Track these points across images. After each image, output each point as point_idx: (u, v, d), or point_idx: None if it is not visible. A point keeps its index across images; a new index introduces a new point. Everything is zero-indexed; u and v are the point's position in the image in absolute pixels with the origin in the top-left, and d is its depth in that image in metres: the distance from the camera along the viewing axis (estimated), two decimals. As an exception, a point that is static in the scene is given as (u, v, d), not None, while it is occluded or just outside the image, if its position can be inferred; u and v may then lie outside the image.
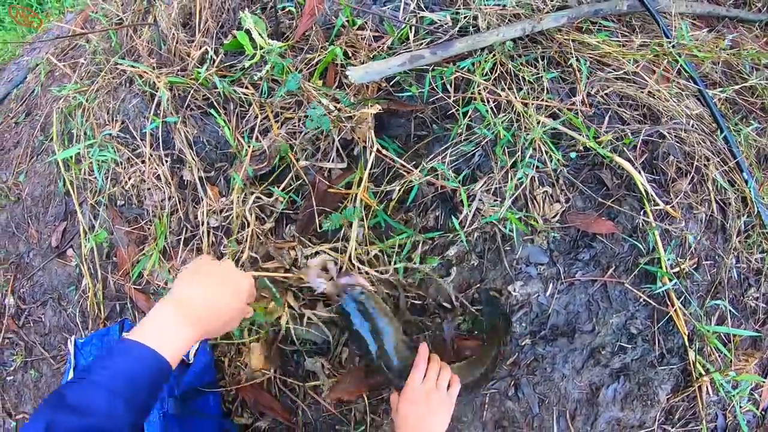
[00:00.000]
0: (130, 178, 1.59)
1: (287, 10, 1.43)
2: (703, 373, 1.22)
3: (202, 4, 1.54)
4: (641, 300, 1.25)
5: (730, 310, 1.28)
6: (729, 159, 1.38)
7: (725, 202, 1.35)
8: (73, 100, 1.75)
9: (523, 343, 1.24)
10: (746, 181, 1.35)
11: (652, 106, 1.38)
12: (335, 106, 1.26)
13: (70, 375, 1.33)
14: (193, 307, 0.92)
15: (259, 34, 1.35)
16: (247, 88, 1.42)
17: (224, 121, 1.41)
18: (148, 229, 1.62)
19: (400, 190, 1.24)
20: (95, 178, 1.69)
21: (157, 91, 1.48)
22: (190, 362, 1.28)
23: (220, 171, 1.47)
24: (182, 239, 1.49)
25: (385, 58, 1.25)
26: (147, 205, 1.60)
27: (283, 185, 1.35)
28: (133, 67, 1.56)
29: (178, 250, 1.50)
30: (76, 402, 0.78)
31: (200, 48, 1.51)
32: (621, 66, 1.44)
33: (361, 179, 1.24)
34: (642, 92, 1.40)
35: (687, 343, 1.24)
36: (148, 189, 1.58)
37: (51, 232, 1.90)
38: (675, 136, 1.34)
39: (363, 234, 1.25)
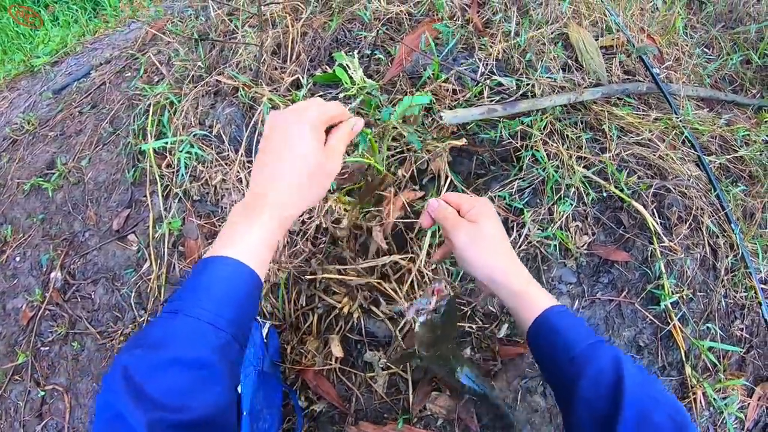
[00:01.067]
0: (212, 177, 1.79)
1: (376, 57, 1.69)
2: (696, 383, 1.49)
3: (295, 38, 1.79)
4: (648, 318, 1.51)
5: (720, 334, 1.55)
6: (720, 212, 1.67)
7: (716, 245, 1.63)
8: (164, 100, 1.93)
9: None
10: (733, 230, 1.64)
11: (661, 166, 1.67)
12: (420, 138, 1.52)
13: None
14: (267, 203, 0.81)
15: (356, 72, 1.61)
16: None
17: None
18: (219, 225, 1.81)
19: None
20: (173, 172, 1.88)
21: (255, 104, 1.71)
22: (266, 341, 1.47)
23: (301, 182, 1.69)
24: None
25: (465, 107, 1.52)
26: (224, 203, 1.80)
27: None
28: (234, 78, 1.79)
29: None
30: (157, 335, 0.70)
31: (292, 75, 1.75)
32: (640, 133, 1.73)
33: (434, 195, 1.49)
34: (654, 155, 1.68)
35: (684, 358, 1.49)
36: (227, 189, 1.79)
37: (113, 217, 2.04)
38: (678, 191, 1.63)
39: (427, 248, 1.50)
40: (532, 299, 0.95)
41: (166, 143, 1.86)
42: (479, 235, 0.99)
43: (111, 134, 2.21)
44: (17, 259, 2.17)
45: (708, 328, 1.56)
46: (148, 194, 1.96)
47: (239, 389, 1.22)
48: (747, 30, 2.36)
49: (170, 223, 1.85)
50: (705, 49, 2.28)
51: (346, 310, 1.50)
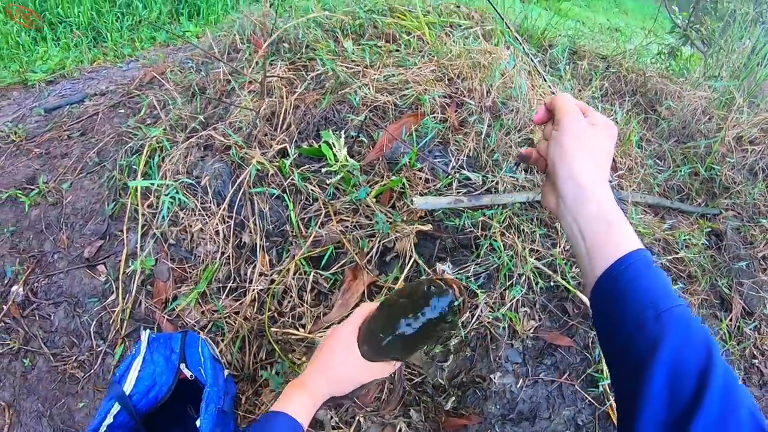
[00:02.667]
0: (191, 225, 1.90)
1: (360, 139, 1.86)
2: None
3: (287, 109, 1.94)
4: (587, 399, 1.66)
5: None
6: None
7: None
8: (157, 143, 2.05)
9: (494, 422, 1.61)
10: None
11: None
12: (389, 219, 1.67)
13: (137, 362, 1.47)
14: (324, 395, 1.14)
15: (340, 151, 1.76)
16: (314, 186, 1.81)
17: (292, 206, 1.78)
18: (191, 271, 1.91)
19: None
20: (154, 213, 1.98)
21: (244, 164, 1.84)
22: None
23: (274, 244, 1.83)
24: (228, 288, 1.81)
25: (435, 195, 1.68)
26: (198, 251, 1.91)
27: (332, 270, 1.72)
28: (227, 137, 1.92)
29: (219, 296, 1.81)
30: None
31: (280, 143, 1.90)
32: None
33: (397, 278, 1.63)
34: None
35: None
36: (203, 239, 1.90)
37: (85, 244, 2.12)
38: None
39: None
40: (623, 234, 0.83)
41: (152, 184, 1.95)
42: (593, 136, 0.89)
43: (96, 164, 2.30)
44: (-23, 265, 2.16)
45: None
46: (125, 229, 2.05)
47: (198, 423, 1.31)
48: (697, 145, 2.62)
49: (144, 261, 1.94)
50: (657, 161, 2.51)
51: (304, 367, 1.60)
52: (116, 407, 1.37)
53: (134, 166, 2.14)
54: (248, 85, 2.11)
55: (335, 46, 2.15)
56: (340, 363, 1.15)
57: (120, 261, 2.01)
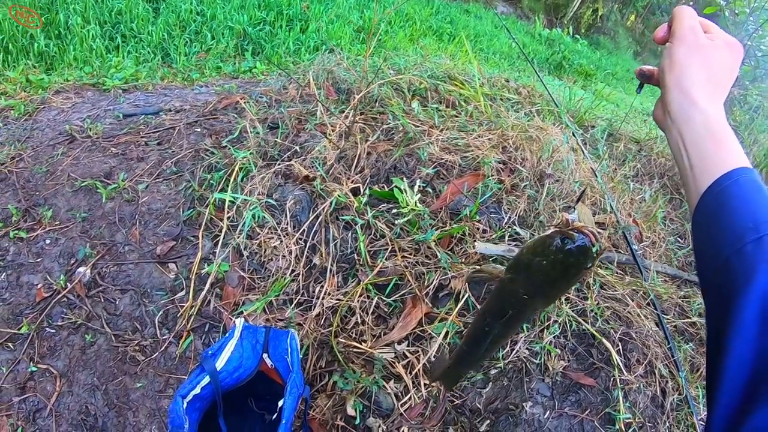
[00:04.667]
0: (266, 242, 2.15)
1: (425, 189, 2.14)
2: None
3: (361, 154, 2.22)
4: None
5: None
6: (671, 361, 2.13)
7: (665, 386, 2.08)
8: (245, 164, 2.30)
9: (524, 446, 1.86)
10: (680, 376, 2.08)
11: (628, 318, 2.15)
12: (449, 260, 1.95)
13: (231, 344, 1.63)
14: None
15: (412, 197, 2.04)
16: (383, 224, 2.08)
17: (363, 238, 2.05)
18: (260, 283, 2.15)
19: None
20: (231, 225, 2.22)
21: (324, 195, 2.11)
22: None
23: (342, 269, 2.09)
24: (295, 302, 2.06)
25: (494, 243, 1.97)
26: (270, 266, 2.15)
27: (393, 297, 1.98)
28: (307, 168, 2.18)
29: (286, 307, 2.05)
30: None
31: (354, 183, 2.17)
32: (615, 290, 2.22)
33: (451, 309, 1.91)
34: (624, 309, 2.16)
35: None
36: (276, 255, 2.15)
37: (158, 243, 2.33)
38: (639, 339, 2.10)
39: (440, 346, 1.89)
40: (730, 150, 0.75)
41: (236, 199, 2.19)
42: (708, 48, 0.80)
43: (174, 173, 2.53)
44: (47, 241, 2.35)
45: None
46: (200, 235, 2.28)
47: (280, 404, 1.51)
48: None
49: (220, 265, 2.15)
50: (678, 239, 2.85)
51: (363, 381, 1.85)
52: (206, 380, 1.54)
53: (213, 182, 2.37)
54: (323, 126, 2.38)
55: (404, 104, 2.44)
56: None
57: (192, 263, 2.23)
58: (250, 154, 2.34)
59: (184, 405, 1.48)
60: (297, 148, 2.37)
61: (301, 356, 1.95)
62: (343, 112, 2.44)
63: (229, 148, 2.49)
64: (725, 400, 0.57)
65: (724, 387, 0.58)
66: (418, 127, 2.32)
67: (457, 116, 2.42)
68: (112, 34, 4.57)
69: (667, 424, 2.02)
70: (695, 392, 2.13)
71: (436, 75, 2.61)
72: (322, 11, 6.46)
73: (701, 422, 2.08)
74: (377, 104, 2.46)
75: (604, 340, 2.01)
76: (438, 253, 1.98)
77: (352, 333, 1.99)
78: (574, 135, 2.21)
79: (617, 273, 2.34)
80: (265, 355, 1.71)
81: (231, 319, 2.11)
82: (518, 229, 2.08)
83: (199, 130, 2.76)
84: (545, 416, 1.89)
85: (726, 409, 0.57)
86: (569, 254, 0.89)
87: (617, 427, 1.91)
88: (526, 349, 1.94)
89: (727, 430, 0.56)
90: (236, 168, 2.30)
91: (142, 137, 2.78)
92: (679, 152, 0.80)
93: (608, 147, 3.02)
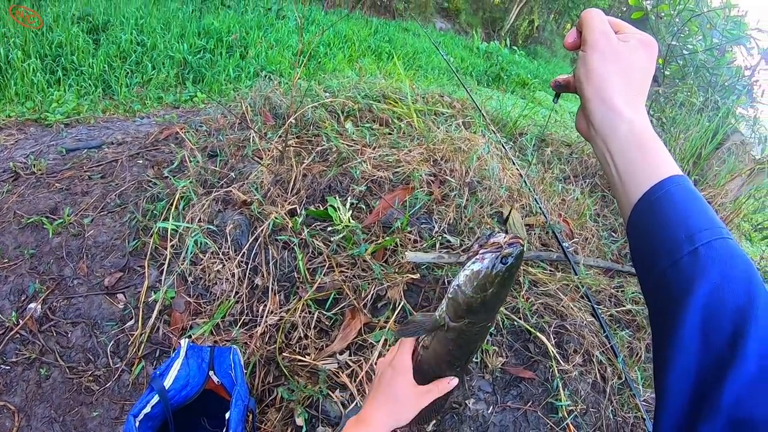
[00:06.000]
0: (209, 267, 2.21)
1: (359, 206, 2.23)
2: None
3: (297, 176, 2.30)
4: (549, 424, 2.01)
5: None
6: (607, 346, 2.24)
7: (605, 372, 2.19)
8: (184, 193, 2.35)
9: (469, 442, 1.95)
10: (617, 357, 2.19)
11: (563, 311, 2.27)
12: (383, 271, 2.03)
13: (177, 363, 1.72)
14: (387, 428, 1.06)
15: (345, 214, 2.13)
16: (320, 242, 2.16)
17: (301, 256, 2.12)
18: (206, 306, 2.21)
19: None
20: (175, 253, 2.28)
21: (262, 218, 2.18)
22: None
23: (283, 288, 2.17)
24: (240, 322, 2.12)
25: (422, 252, 2.06)
26: (215, 290, 2.21)
27: (333, 311, 2.06)
28: (245, 193, 2.25)
29: (232, 329, 2.11)
30: None
31: (291, 204, 2.25)
32: (547, 286, 2.34)
33: (389, 317, 1.99)
34: (558, 302, 2.28)
35: None
36: (220, 279, 2.21)
37: (105, 274, 2.39)
38: (575, 330, 2.21)
39: (380, 353, 1.97)
40: (658, 158, 0.72)
41: (179, 227, 2.24)
42: (623, 52, 0.78)
43: (118, 206, 2.58)
44: (-5, 280, 2.36)
45: None
46: (146, 264, 2.33)
47: (227, 416, 1.57)
48: None
49: (166, 292, 2.20)
50: (612, 233, 3.00)
51: (308, 391, 1.91)
52: (155, 399, 1.61)
53: (156, 211, 2.42)
54: (261, 152, 2.45)
55: (338, 126, 2.53)
56: (399, 391, 1.07)
57: (140, 292, 2.29)
58: (190, 182, 2.40)
59: (137, 424, 1.55)
60: (234, 174, 2.44)
61: (247, 372, 2.02)
62: (281, 136, 2.52)
63: (170, 178, 2.54)
64: (669, 418, 0.57)
65: (667, 404, 0.58)
66: (351, 146, 2.42)
67: (389, 134, 2.53)
68: (53, 67, 4.57)
69: (611, 407, 2.13)
70: (635, 375, 2.25)
71: (370, 95, 2.72)
72: (262, 37, 6.57)
73: (644, 402, 2.19)
74: (312, 127, 2.55)
75: (539, 335, 2.12)
76: (373, 266, 2.06)
77: (296, 347, 2.07)
78: (501, 143, 2.33)
79: (548, 270, 2.46)
80: (211, 373, 1.78)
81: (180, 344, 2.16)
82: (448, 237, 2.18)
83: (141, 161, 2.81)
84: (489, 411, 1.98)
85: (670, 426, 0.57)
86: (512, 266, 0.93)
87: (560, 415, 2.02)
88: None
89: None
90: (177, 197, 2.35)
91: (85, 171, 2.82)
92: (606, 163, 0.77)
93: (539, 152, 3.15)
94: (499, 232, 0.98)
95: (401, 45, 10.10)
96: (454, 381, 1.11)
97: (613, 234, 3.02)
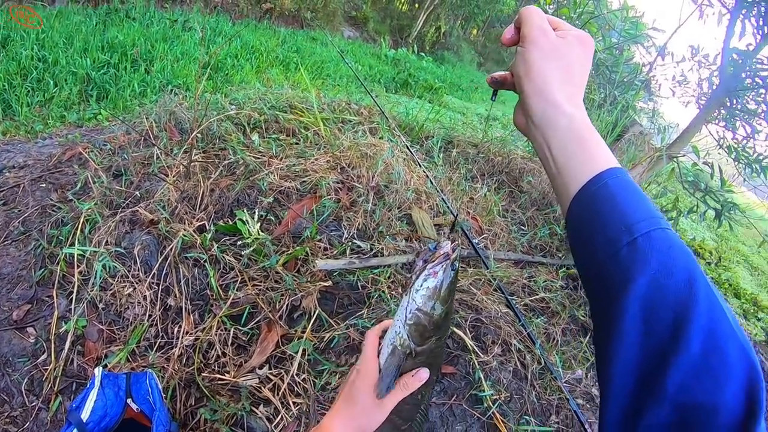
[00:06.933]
0: (120, 291, 2.15)
1: (268, 218, 2.22)
2: None
3: (205, 192, 2.27)
4: (475, 416, 2.06)
5: (535, 423, 2.13)
6: (524, 334, 2.31)
7: (524, 359, 2.27)
8: (89, 216, 2.27)
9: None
10: (534, 343, 2.27)
11: (477, 305, 2.34)
12: (295, 281, 2.04)
13: (93, 394, 1.66)
14: None
15: (253, 227, 2.11)
16: (231, 257, 2.13)
17: (213, 273, 2.09)
18: (119, 333, 2.15)
19: (326, 339, 2.02)
20: (83, 279, 2.20)
21: (170, 236, 2.13)
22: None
23: (197, 307, 2.14)
24: (156, 346, 2.07)
25: (335, 259, 2.08)
26: (127, 314, 2.16)
27: (249, 325, 2.04)
28: (152, 212, 2.20)
29: (148, 353, 2.07)
30: None
31: (200, 221, 2.21)
32: (460, 283, 2.40)
33: (305, 327, 1.99)
34: (472, 297, 2.34)
35: None
36: (131, 303, 2.15)
37: (13, 308, 2.28)
38: (491, 322, 2.28)
39: (300, 364, 1.97)
40: (597, 151, 0.73)
41: (86, 252, 2.17)
42: (561, 47, 0.78)
43: (22, 233, 2.48)
44: None
45: (527, 420, 2.14)
46: (55, 294, 2.25)
47: None
48: (554, 210, 3.18)
49: (77, 321, 2.13)
50: (521, 226, 3.10)
51: (230, 409, 1.90)
52: None
53: (61, 237, 2.33)
54: (167, 169, 2.39)
55: (244, 138, 2.50)
56: (361, 396, 1.02)
57: (50, 323, 2.21)
58: (95, 204, 2.33)
59: (59, 461, 1.50)
60: (139, 193, 2.38)
61: (168, 396, 1.99)
62: (187, 151, 2.47)
63: (75, 201, 2.46)
64: (614, 408, 0.57)
65: (612, 394, 0.57)
66: (258, 158, 2.40)
67: (296, 143, 2.53)
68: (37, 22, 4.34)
69: (534, 392, 2.21)
70: (554, 359, 2.34)
71: (277, 105, 2.70)
72: (167, 50, 6.41)
73: (565, 384, 2.28)
74: (218, 141, 2.51)
75: (456, 330, 2.16)
76: (285, 277, 2.06)
77: (215, 366, 2.04)
78: (407, 146, 2.35)
79: (461, 267, 2.51)
80: (129, 400, 1.74)
81: (94, 374, 2.10)
82: (358, 242, 2.20)
83: (44, 185, 2.70)
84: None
85: (616, 416, 0.56)
86: (458, 269, 0.95)
87: (485, 405, 2.07)
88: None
89: None
90: (82, 220, 2.28)
91: (-16, 199, 2.67)
92: (545, 158, 0.76)
93: (446, 153, 3.22)
94: (441, 242, 0.97)
95: (309, 54, 10.14)
96: (424, 374, 1.03)
97: (522, 227, 3.12)
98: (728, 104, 4.09)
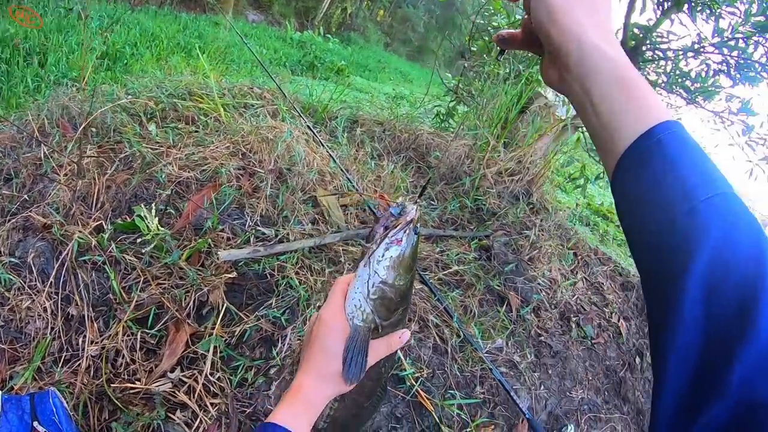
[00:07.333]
0: (19, 305, 2.01)
1: (168, 211, 2.10)
2: None
3: (101, 189, 2.13)
4: (399, 395, 2.02)
5: (461, 396, 2.11)
6: (441, 309, 2.27)
7: (443, 334, 2.22)
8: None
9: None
10: (452, 317, 2.25)
11: None
12: (200, 276, 1.94)
13: None
14: (325, 396, 0.91)
15: (152, 222, 1.99)
16: (131, 256, 2.01)
17: (114, 275, 1.97)
18: (22, 351, 2.02)
19: (238, 333, 1.93)
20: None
21: (66, 240, 2.00)
22: None
23: (101, 313, 2.02)
24: (63, 360, 1.95)
25: (236, 249, 1.98)
26: (29, 330, 2.02)
27: (156, 327, 1.94)
28: (45, 216, 2.06)
29: (55, 369, 1.94)
30: None
31: (96, 221, 2.08)
32: None
33: (215, 323, 1.90)
34: None
35: (438, 421, 2.01)
36: (32, 317, 2.02)
37: None
38: None
39: (214, 362, 1.88)
40: (648, 100, 0.62)
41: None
42: None
43: None
44: None
45: (452, 394, 2.11)
46: (-50, 317, 2.07)
47: None
48: (463, 183, 3.15)
49: (-25, 345, 1.98)
50: (431, 201, 3.02)
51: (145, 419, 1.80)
52: None
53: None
54: (60, 168, 2.24)
55: (140, 129, 2.36)
56: (335, 350, 0.89)
57: (-52, 350, 2.04)
58: (-18, 216, 2.17)
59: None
60: (27, 197, 2.23)
61: (79, 413, 1.88)
62: (80, 147, 2.31)
63: (-38, 212, 2.28)
64: (670, 402, 0.50)
65: (668, 386, 0.50)
66: (156, 149, 2.27)
67: (196, 131, 2.40)
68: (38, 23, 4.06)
69: (456, 365, 2.17)
70: (472, 330, 2.31)
71: (175, 93, 2.56)
72: (62, 41, 6.05)
73: (487, 354, 2.25)
74: (114, 134, 2.36)
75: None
76: (189, 272, 1.95)
77: (125, 375, 1.94)
78: (309, 127, 2.26)
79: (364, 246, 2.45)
80: (35, 423, 1.64)
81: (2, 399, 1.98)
82: (263, 229, 2.11)
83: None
84: (333, 396, 1.94)
85: (671, 410, 0.49)
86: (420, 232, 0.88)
87: (408, 384, 2.03)
88: (297, 340, 1.99)
89: (678, 429, 0.49)
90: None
91: None
92: (587, 113, 0.66)
93: (351, 133, 3.15)
94: (406, 206, 0.90)
95: (212, 40, 9.84)
96: (406, 335, 0.96)
97: (432, 202, 3.07)
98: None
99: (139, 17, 9.34)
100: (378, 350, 0.93)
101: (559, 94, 4.68)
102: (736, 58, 3.70)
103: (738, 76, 3.71)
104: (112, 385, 1.91)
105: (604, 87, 0.63)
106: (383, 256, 0.86)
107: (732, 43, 3.65)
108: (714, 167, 0.57)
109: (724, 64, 3.71)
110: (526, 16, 0.74)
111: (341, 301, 0.91)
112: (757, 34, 3.49)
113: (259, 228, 2.11)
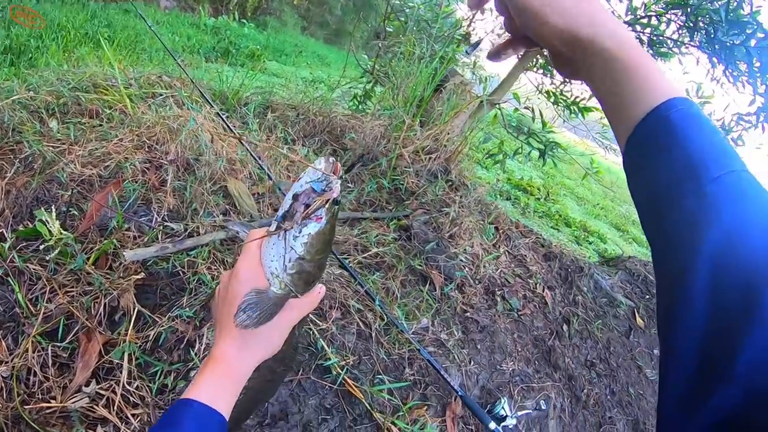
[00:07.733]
0: None
1: (71, 213, 1.96)
2: (386, 422, 1.94)
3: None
4: (326, 386, 1.97)
5: (390, 380, 2.07)
6: (362, 293, 2.18)
7: (366, 318, 2.13)
8: None
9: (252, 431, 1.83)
10: (374, 301, 2.20)
11: None
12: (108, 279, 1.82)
13: None
14: (249, 363, 0.85)
15: (54, 226, 1.86)
16: (36, 265, 1.88)
17: (18, 287, 1.85)
18: None
19: (152, 337, 1.83)
20: None
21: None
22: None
23: (8, 330, 1.89)
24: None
25: (145, 247, 1.88)
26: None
27: (68, 339, 1.82)
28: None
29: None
30: None
31: (-5, 228, 1.94)
32: None
33: (127, 328, 1.79)
34: None
35: (369, 407, 1.98)
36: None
37: None
38: (325, 286, 2.11)
39: (130, 371, 1.78)
40: (654, 78, 0.61)
41: None
42: None
43: None
44: None
45: (381, 379, 2.04)
46: None
47: None
48: (379, 163, 3.05)
49: None
50: (348, 184, 2.99)
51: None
52: None
53: None
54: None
55: (41, 126, 2.21)
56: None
57: None
58: None
59: None
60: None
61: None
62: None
63: None
64: (675, 383, 0.48)
65: (673, 369, 0.49)
66: (57, 147, 2.12)
67: (99, 125, 2.24)
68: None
69: (382, 350, 2.10)
70: (396, 313, 2.23)
71: (79, 86, 2.40)
72: None
73: (413, 335, 2.17)
74: (13, 133, 2.20)
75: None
76: (95, 277, 1.83)
77: (39, 394, 1.83)
78: (219, 114, 2.12)
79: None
80: None
81: None
82: (171, 225, 2.00)
83: None
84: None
85: (676, 392, 0.48)
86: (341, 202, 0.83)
87: (334, 373, 1.95)
88: (211, 336, 1.89)
89: (681, 415, 0.46)
90: None
91: None
92: (597, 96, 0.67)
93: (262, 119, 3.04)
94: (331, 181, 0.85)
95: (122, 29, 9.41)
96: (323, 289, 0.95)
97: (349, 185, 3.00)
98: (545, 53, 4.14)
99: (45, 7, 8.87)
100: (302, 307, 0.89)
101: (475, 73, 4.73)
102: (649, 35, 3.95)
103: (651, 52, 3.92)
104: (26, 406, 1.80)
105: (606, 73, 0.63)
106: (300, 232, 0.83)
107: (645, 20, 3.90)
108: (725, 143, 0.56)
109: (638, 40, 3.83)
110: (506, 19, 0.75)
111: (258, 257, 0.86)
112: (668, 12, 3.73)
113: (167, 223, 2.00)
